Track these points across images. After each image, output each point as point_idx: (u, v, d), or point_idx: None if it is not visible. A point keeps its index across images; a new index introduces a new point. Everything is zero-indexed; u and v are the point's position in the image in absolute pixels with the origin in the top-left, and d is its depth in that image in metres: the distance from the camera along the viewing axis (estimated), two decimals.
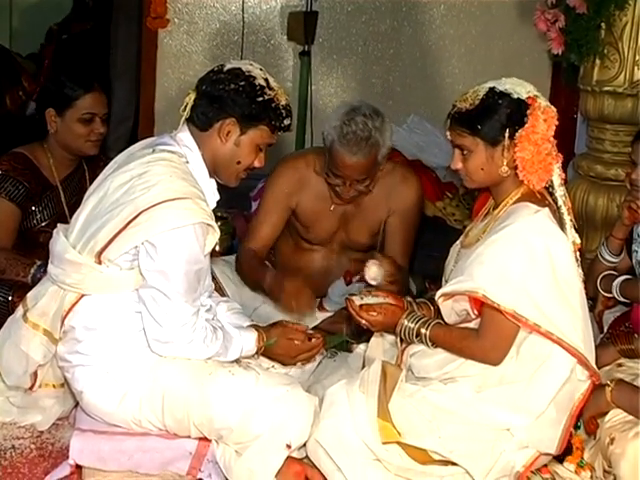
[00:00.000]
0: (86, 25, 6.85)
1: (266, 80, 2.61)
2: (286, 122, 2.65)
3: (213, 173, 2.65)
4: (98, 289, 2.57)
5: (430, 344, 2.59)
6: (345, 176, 3.24)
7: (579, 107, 4.42)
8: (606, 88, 4.03)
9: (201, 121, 2.61)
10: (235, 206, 4.62)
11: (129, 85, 5.97)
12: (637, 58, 3.97)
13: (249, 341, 2.70)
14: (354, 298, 2.72)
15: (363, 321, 2.68)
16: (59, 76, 3.34)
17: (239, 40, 5.62)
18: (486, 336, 2.49)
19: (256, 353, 2.74)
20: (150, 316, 2.51)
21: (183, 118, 2.64)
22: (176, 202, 2.46)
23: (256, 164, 2.67)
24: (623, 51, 3.97)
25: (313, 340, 2.79)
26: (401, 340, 2.70)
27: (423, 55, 5.86)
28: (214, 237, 2.55)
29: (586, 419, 2.65)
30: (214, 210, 2.63)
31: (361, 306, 2.68)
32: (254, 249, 3.38)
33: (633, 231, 3.26)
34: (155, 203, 2.45)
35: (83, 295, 2.58)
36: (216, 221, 2.64)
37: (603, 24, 3.96)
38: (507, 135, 2.45)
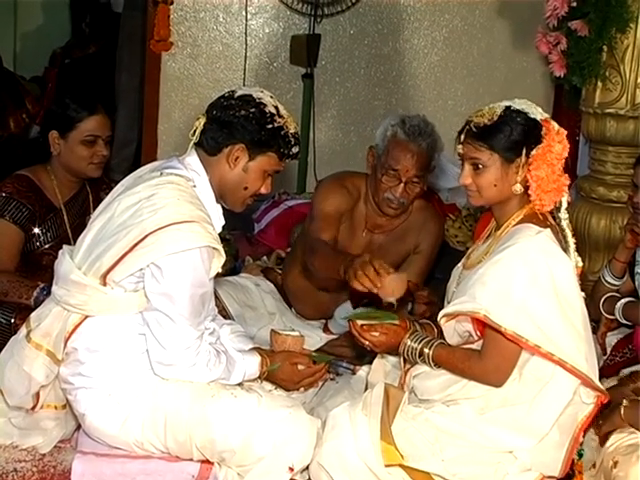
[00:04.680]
0: (87, 50, 6.92)
1: (276, 107, 2.63)
2: (294, 150, 2.67)
3: (220, 198, 2.66)
4: (102, 311, 2.57)
5: (433, 364, 2.58)
6: (404, 171, 3.28)
7: (581, 129, 4.43)
8: (608, 110, 4.05)
9: (210, 146, 2.62)
10: (238, 228, 4.63)
11: (133, 108, 5.99)
12: (639, 81, 3.99)
13: (252, 365, 2.69)
14: (357, 320, 2.71)
15: (366, 342, 2.68)
16: (63, 98, 3.35)
17: (242, 63, 5.64)
18: (488, 358, 2.48)
19: (259, 377, 2.74)
20: (154, 338, 2.51)
21: (192, 142, 2.65)
22: (183, 225, 2.46)
23: (262, 190, 2.68)
24: (625, 74, 3.99)
25: (316, 366, 2.78)
26: (404, 360, 2.69)
27: (425, 77, 5.88)
28: (219, 261, 2.56)
29: (601, 435, 2.66)
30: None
31: (363, 326, 2.68)
32: (323, 239, 3.29)
33: (636, 254, 3.27)
34: (162, 226, 2.46)
35: (86, 316, 2.58)
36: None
37: (605, 47, 3.98)
38: (524, 153, 2.47)
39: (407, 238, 3.47)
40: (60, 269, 2.64)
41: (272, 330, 2.87)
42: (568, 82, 4.16)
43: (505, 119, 2.48)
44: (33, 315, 2.69)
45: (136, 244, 2.47)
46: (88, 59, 6.90)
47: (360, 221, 3.48)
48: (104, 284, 2.53)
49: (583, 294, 2.55)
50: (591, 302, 3.25)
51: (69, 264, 2.60)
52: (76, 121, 3.25)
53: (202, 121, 2.64)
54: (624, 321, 3.12)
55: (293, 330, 2.95)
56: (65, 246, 2.72)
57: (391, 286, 2.69)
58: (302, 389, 2.86)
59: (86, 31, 7.06)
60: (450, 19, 5.82)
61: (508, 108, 2.50)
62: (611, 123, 4.08)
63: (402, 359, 2.69)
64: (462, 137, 2.55)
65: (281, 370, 2.75)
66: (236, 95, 2.64)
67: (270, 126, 2.60)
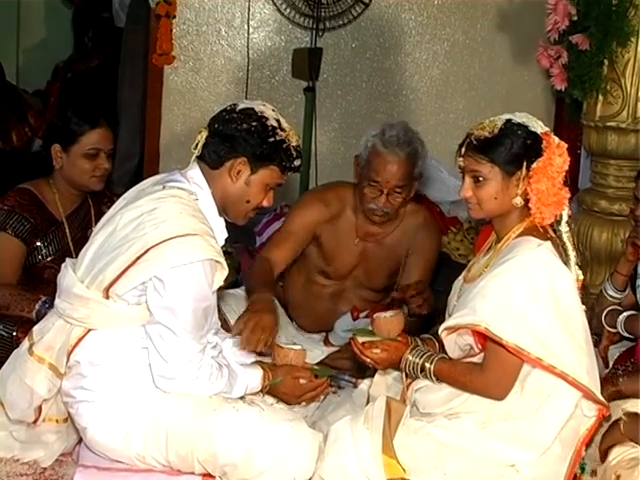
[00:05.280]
0: (90, 64, 6.94)
1: (278, 121, 2.64)
2: (296, 163, 2.68)
3: (222, 211, 2.67)
4: (105, 324, 2.57)
5: (435, 379, 2.58)
6: (384, 182, 3.29)
7: (582, 142, 4.43)
8: (609, 124, 4.05)
9: (212, 159, 2.63)
10: (240, 241, 4.63)
11: (135, 121, 6.00)
12: None
13: (254, 379, 2.69)
14: (358, 337, 2.71)
15: (368, 359, 2.68)
16: (65, 112, 3.36)
17: (244, 76, 5.65)
18: (490, 371, 2.48)
19: (261, 391, 2.73)
20: (156, 352, 2.51)
21: (194, 156, 2.66)
22: (185, 238, 2.47)
23: (264, 204, 2.69)
24: (626, 87, 4.00)
25: (318, 380, 2.78)
26: (406, 375, 2.69)
27: (427, 91, 5.89)
28: (222, 274, 2.56)
29: (601, 450, 2.65)
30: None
31: (364, 344, 2.68)
32: (271, 260, 3.37)
33: (637, 267, 3.27)
34: (164, 239, 2.46)
35: (89, 330, 2.58)
36: None
37: (606, 61, 3.99)
38: (524, 166, 2.47)
39: (402, 243, 3.48)
40: (63, 282, 2.64)
41: (275, 343, 2.87)
42: (569, 96, 4.16)
43: (506, 132, 2.49)
44: (35, 329, 2.70)
45: (138, 257, 2.47)
46: (90, 73, 6.91)
47: (350, 230, 3.48)
48: (107, 297, 2.54)
49: (584, 307, 2.55)
50: (593, 315, 3.26)
51: (72, 277, 2.61)
52: (78, 134, 3.26)
53: (204, 134, 2.65)
54: (626, 334, 3.12)
55: (295, 344, 2.95)
56: (68, 259, 2.72)
57: (387, 327, 2.73)
58: (304, 403, 2.85)
59: (89, 45, 7.07)
60: (451, 33, 5.84)
61: (509, 121, 2.51)
62: (612, 136, 4.08)
63: (404, 374, 2.69)
64: (463, 150, 2.55)
65: (283, 384, 2.75)
66: (238, 109, 2.65)
67: (272, 139, 2.61)
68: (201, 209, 2.59)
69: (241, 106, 2.66)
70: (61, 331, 2.61)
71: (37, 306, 3.14)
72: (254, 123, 2.61)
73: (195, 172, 2.65)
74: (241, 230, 3.31)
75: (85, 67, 7.00)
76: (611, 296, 3.29)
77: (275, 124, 2.63)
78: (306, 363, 2.87)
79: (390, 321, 2.73)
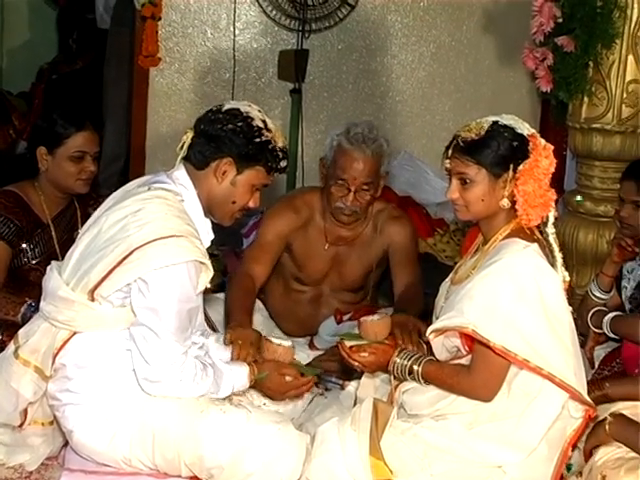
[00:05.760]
0: (75, 65, 6.91)
1: (264, 121, 2.64)
2: (282, 164, 2.67)
3: (208, 212, 2.66)
4: (90, 326, 2.56)
5: (422, 381, 2.58)
6: (351, 179, 3.29)
7: (568, 144, 4.45)
8: (594, 125, 4.07)
9: (198, 160, 2.62)
10: (226, 243, 4.62)
11: (120, 123, 5.98)
12: (624, 96, 4.02)
13: (240, 376, 2.67)
14: (345, 341, 2.71)
15: (355, 363, 2.68)
16: (50, 114, 3.35)
17: (230, 78, 5.65)
18: (477, 373, 2.48)
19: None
20: (139, 354, 2.50)
21: (180, 157, 2.65)
22: (170, 240, 2.46)
23: (251, 204, 2.69)
24: (611, 89, 4.02)
25: (304, 378, 2.78)
26: (395, 378, 2.69)
27: (413, 93, 5.90)
28: (207, 275, 2.55)
29: (586, 451, 2.65)
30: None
31: (351, 348, 2.68)
32: (253, 276, 3.38)
33: (623, 268, 3.28)
34: (149, 240, 2.45)
35: (75, 333, 2.57)
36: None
37: (591, 62, 4.01)
38: (511, 168, 2.47)
39: (373, 243, 3.49)
40: (48, 285, 2.63)
41: (264, 337, 2.87)
42: (555, 97, 4.18)
43: (492, 134, 2.49)
44: (21, 332, 2.68)
45: (123, 259, 2.47)
46: (75, 75, 6.89)
47: (319, 235, 3.48)
48: (92, 300, 2.53)
49: (571, 308, 2.56)
50: (579, 316, 3.26)
51: (57, 280, 2.60)
52: (64, 137, 3.24)
53: (190, 135, 2.64)
54: (612, 335, 3.13)
55: (285, 340, 2.93)
56: (53, 262, 2.71)
57: (373, 330, 2.73)
58: (287, 400, 2.84)
59: (73, 47, 7.05)
60: (437, 35, 5.85)
61: (495, 123, 2.51)
62: (597, 138, 4.10)
63: (392, 376, 2.69)
64: (450, 152, 2.55)
65: (269, 379, 2.72)
66: (223, 109, 2.64)
67: (258, 140, 2.61)
68: (187, 210, 2.58)
69: (227, 107, 2.65)
70: (46, 334, 2.60)
71: (22, 309, 3.13)
72: (240, 123, 2.60)
73: (181, 173, 2.64)
74: (228, 232, 3.31)
75: (70, 69, 6.98)
76: (597, 297, 3.30)
77: (261, 124, 2.63)
78: (294, 360, 2.85)
79: (377, 324, 2.73)
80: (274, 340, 2.86)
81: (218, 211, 2.67)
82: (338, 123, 5.78)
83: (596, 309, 3.21)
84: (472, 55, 5.88)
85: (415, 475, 2.46)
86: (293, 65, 5.42)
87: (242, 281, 3.37)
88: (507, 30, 5.55)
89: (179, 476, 2.57)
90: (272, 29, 5.71)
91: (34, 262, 3.29)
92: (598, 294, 3.30)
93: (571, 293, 4.05)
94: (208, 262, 2.54)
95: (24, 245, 3.28)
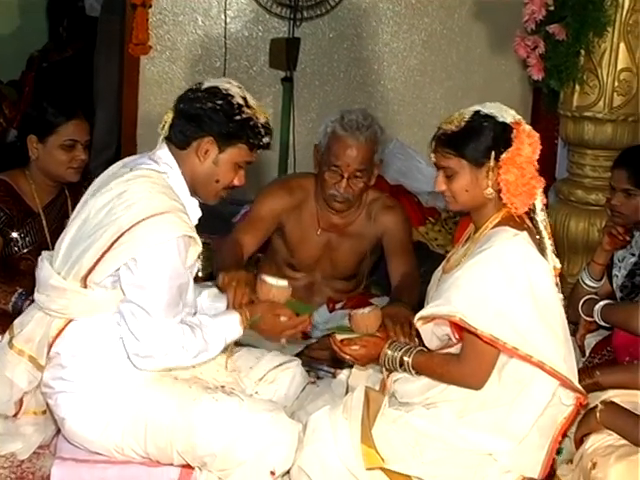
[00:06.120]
0: (65, 53, 6.89)
1: (244, 98, 2.60)
2: (265, 140, 2.64)
3: (192, 191, 2.64)
4: (84, 312, 2.56)
5: (413, 372, 2.58)
6: (345, 166, 3.30)
7: (559, 132, 4.45)
8: (586, 114, 4.07)
9: (179, 140, 2.60)
10: (218, 232, 4.61)
11: (111, 112, 5.97)
12: (616, 84, 4.02)
13: (232, 325, 2.64)
14: (336, 334, 2.71)
15: (347, 357, 2.68)
16: (41, 103, 3.34)
17: (221, 66, 5.63)
18: (466, 361, 2.48)
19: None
20: (129, 331, 2.48)
21: (161, 137, 2.63)
22: (157, 218, 2.45)
23: (236, 182, 2.66)
24: (602, 77, 4.02)
25: (299, 317, 2.73)
26: (386, 369, 2.69)
27: (404, 81, 5.90)
28: (195, 250, 2.54)
29: (576, 438, 2.66)
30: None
31: (342, 341, 2.68)
32: (241, 243, 3.39)
33: (614, 256, 3.29)
34: (136, 221, 2.44)
35: (70, 321, 2.57)
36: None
37: (582, 51, 4.01)
38: (492, 157, 2.47)
39: (366, 231, 3.50)
40: (40, 275, 2.63)
41: (259, 277, 2.84)
42: (546, 85, 4.17)
43: (472, 124, 2.48)
44: (16, 322, 2.68)
45: (113, 243, 2.46)
46: (65, 63, 6.87)
47: (312, 221, 3.50)
48: (85, 286, 2.52)
49: (562, 296, 2.56)
50: (570, 304, 3.27)
51: (48, 270, 2.59)
52: (55, 126, 3.24)
53: (170, 115, 2.62)
54: (603, 323, 3.13)
55: (281, 279, 2.87)
56: (44, 252, 2.70)
57: (364, 323, 2.72)
58: (284, 340, 2.79)
59: (63, 35, 7.03)
60: (429, 23, 5.84)
61: (477, 113, 2.50)
62: (589, 126, 4.10)
63: (384, 368, 2.69)
64: (433, 145, 2.56)
65: (263, 321, 2.69)
66: (203, 87, 2.61)
67: (238, 117, 2.57)
68: (172, 186, 2.57)
69: (206, 85, 2.62)
70: (41, 323, 2.60)
71: (13, 298, 3.12)
72: (219, 101, 2.57)
73: (163, 152, 2.62)
74: (220, 221, 3.31)
75: (60, 57, 6.95)
76: (588, 285, 3.31)
77: (241, 102, 2.59)
78: (290, 299, 2.81)
79: (367, 317, 2.72)
80: (268, 279, 2.80)
81: (202, 190, 2.65)
82: (330, 111, 5.76)
83: (587, 297, 3.22)
84: (464, 43, 5.87)
85: (406, 463, 2.46)
86: (284, 53, 5.41)
87: (230, 245, 3.38)
88: (499, 18, 5.54)
89: (171, 464, 2.57)
90: (263, 17, 5.69)
91: (25, 251, 3.28)
92: (589, 282, 3.30)
93: (562, 281, 4.06)
94: (196, 236, 2.53)
95: (14, 234, 3.27)
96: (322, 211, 3.47)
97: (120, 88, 5.79)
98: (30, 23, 7.69)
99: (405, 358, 2.59)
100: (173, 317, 2.50)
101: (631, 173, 3.19)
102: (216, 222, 3.07)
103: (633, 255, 3.24)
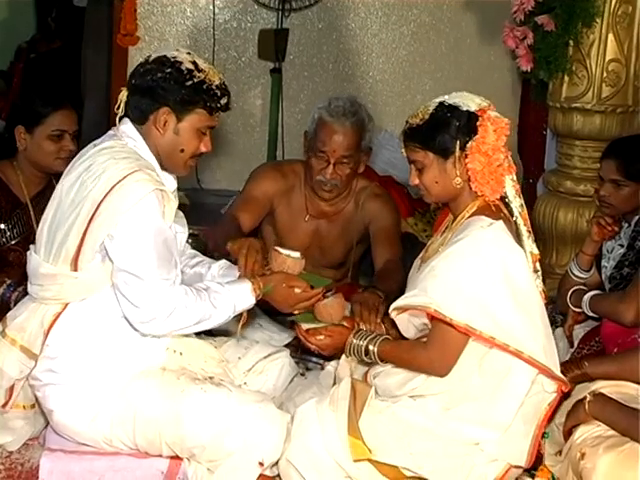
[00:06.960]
0: (53, 44, 6.87)
1: (194, 63, 2.57)
2: (223, 101, 2.61)
3: (161, 165, 2.62)
4: (79, 294, 2.55)
5: (379, 360, 2.58)
6: (331, 152, 3.32)
7: (548, 123, 4.46)
8: (574, 105, 4.08)
9: (136, 116, 2.59)
10: (206, 223, 4.60)
11: (100, 102, 5.95)
12: (605, 75, 4.03)
13: (243, 294, 2.62)
14: (302, 323, 2.70)
15: (312, 346, 2.68)
16: (29, 93, 3.33)
17: (210, 57, 5.62)
18: (433, 347, 2.48)
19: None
20: (126, 300, 2.47)
21: (118, 116, 2.62)
22: (126, 180, 2.44)
23: (202, 149, 2.63)
24: (591, 68, 4.03)
25: (313, 290, 2.71)
26: (357, 360, 2.68)
27: (394, 72, 5.90)
28: (171, 207, 2.52)
29: (565, 430, 2.67)
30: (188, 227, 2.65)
31: (307, 330, 2.68)
32: (237, 219, 3.38)
33: (602, 247, 3.29)
34: (108, 189, 2.43)
35: (60, 314, 2.56)
36: (188, 238, 2.64)
37: (571, 41, 4.01)
38: (457, 147, 2.47)
39: (354, 220, 3.51)
40: (30, 267, 2.62)
41: (273, 248, 2.82)
42: (535, 76, 4.18)
43: (435, 116, 2.48)
44: (10, 313, 2.69)
45: (92, 217, 2.45)
46: (54, 53, 6.85)
47: (300, 207, 3.52)
48: (75, 269, 2.51)
49: (542, 286, 2.56)
50: (559, 295, 3.28)
51: (35, 260, 2.59)
52: (42, 116, 3.22)
53: (125, 93, 2.61)
54: (591, 314, 3.14)
55: (293, 251, 2.85)
56: (32, 246, 2.69)
57: (327, 312, 2.72)
58: (297, 311, 2.76)
59: (52, 25, 7.01)
60: (418, 14, 5.84)
61: (441, 104, 2.50)
62: (578, 117, 4.11)
63: (349, 357, 2.68)
64: (402, 139, 2.56)
65: (277, 292, 2.68)
66: (151, 59, 2.59)
67: (190, 82, 2.54)
68: (137, 152, 2.55)
69: (154, 56, 2.60)
70: (34, 313, 2.59)
71: (1, 289, 3.11)
72: (168, 69, 2.54)
73: (126, 127, 2.60)
74: (209, 212, 3.30)
75: (48, 48, 6.94)
76: (576, 276, 3.31)
77: (191, 66, 2.56)
78: (303, 272, 2.80)
79: (330, 305, 2.72)
80: (282, 251, 2.79)
81: (169, 162, 2.62)
82: (319, 102, 5.81)
83: (576, 288, 3.22)
84: (453, 34, 5.88)
85: (394, 454, 2.47)
86: (273, 44, 5.41)
87: (229, 219, 3.38)
88: (488, 9, 5.54)
89: (160, 456, 2.57)
90: (252, 7, 5.68)
91: (13, 242, 3.27)
92: (578, 273, 3.31)
93: (550, 272, 4.07)
94: (167, 189, 2.51)
95: (2, 225, 3.26)
96: (311, 198, 3.49)
97: (109, 79, 5.76)
98: (18, 14, 7.67)
99: (370, 347, 2.59)
100: (167, 274, 2.48)
101: (619, 164, 3.19)
102: (205, 214, 3.06)
103: (622, 246, 3.25)
